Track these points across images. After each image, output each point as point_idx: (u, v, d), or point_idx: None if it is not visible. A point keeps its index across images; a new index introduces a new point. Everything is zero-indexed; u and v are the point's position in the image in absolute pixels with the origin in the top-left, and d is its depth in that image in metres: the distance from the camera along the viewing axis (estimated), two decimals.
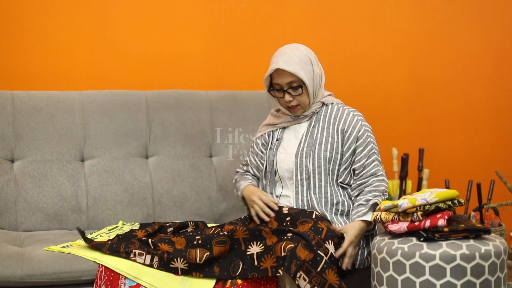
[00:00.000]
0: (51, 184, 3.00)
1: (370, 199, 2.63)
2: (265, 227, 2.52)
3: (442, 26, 3.82)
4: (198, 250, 2.49)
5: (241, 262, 2.47)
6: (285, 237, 2.44)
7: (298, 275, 2.35)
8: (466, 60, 3.86)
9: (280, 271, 2.39)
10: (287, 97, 2.68)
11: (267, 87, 2.73)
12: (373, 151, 2.70)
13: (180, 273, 2.48)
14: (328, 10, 3.72)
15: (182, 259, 2.47)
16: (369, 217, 2.59)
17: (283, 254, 2.39)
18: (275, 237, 2.47)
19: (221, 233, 2.54)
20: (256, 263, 2.45)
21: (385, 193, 2.68)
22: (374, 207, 2.62)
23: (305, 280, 2.35)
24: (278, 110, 2.84)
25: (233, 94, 3.33)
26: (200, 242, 2.51)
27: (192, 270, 2.48)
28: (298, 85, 2.66)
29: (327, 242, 2.49)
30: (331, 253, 2.49)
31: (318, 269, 2.36)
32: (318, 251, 2.39)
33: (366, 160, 2.69)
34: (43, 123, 3.07)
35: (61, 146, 3.07)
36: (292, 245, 2.38)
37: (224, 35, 3.61)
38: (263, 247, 2.47)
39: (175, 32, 3.57)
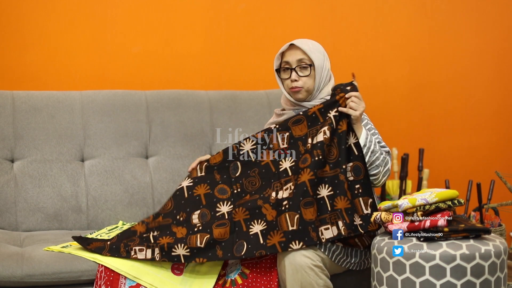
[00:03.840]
0: (51, 184, 3.00)
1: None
2: (264, 202, 2.50)
3: (442, 26, 3.82)
4: (198, 235, 2.48)
5: (245, 242, 2.44)
6: (283, 208, 2.43)
7: (320, 234, 2.40)
8: (466, 60, 3.85)
9: (291, 245, 2.39)
10: (294, 76, 2.67)
11: (277, 66, 2.73)
12: (386, 148, 2.72)
13: (183, 260, 2.45)
14: (328, 10, 3.72)
15: (183, 245, 2.46)
16: (362, 137, 2.58)
17: (290, 228, 2.39)
18: (275, 211, 2.45)
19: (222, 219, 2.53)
20: (262, 241, 2.43)
21: (386, 162, 2.62)
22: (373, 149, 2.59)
23: (327, 229, 2.42)
24: (281, 110, 2.83)
25: (233, 94, 3.33)
26: (200, 228, 2.51)
27: (195, 255, 2.45)
28: (308, 64, 2.67)
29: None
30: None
31: (329, 209, 2.43)
32: (317, 197, 2.43)
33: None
34: (43, 123, 3.07)
35: (61, 146, 3.07)
36: (297, 215, 2.39)
37: (224, 35, 3.61)
38: (265, 224, 2.46)
39: (175, 32, 3.56)
